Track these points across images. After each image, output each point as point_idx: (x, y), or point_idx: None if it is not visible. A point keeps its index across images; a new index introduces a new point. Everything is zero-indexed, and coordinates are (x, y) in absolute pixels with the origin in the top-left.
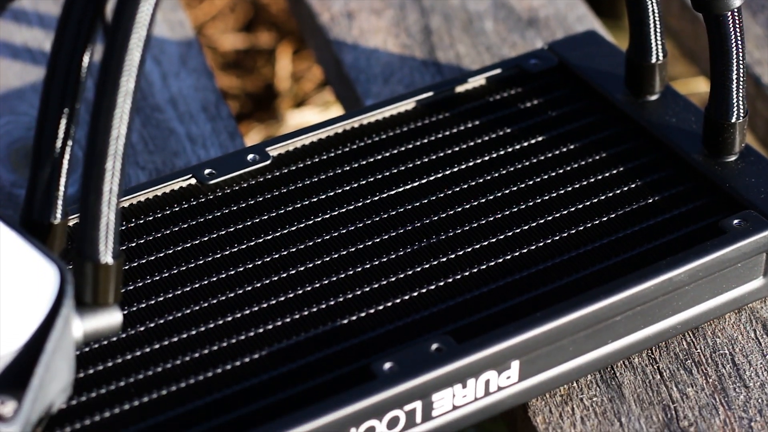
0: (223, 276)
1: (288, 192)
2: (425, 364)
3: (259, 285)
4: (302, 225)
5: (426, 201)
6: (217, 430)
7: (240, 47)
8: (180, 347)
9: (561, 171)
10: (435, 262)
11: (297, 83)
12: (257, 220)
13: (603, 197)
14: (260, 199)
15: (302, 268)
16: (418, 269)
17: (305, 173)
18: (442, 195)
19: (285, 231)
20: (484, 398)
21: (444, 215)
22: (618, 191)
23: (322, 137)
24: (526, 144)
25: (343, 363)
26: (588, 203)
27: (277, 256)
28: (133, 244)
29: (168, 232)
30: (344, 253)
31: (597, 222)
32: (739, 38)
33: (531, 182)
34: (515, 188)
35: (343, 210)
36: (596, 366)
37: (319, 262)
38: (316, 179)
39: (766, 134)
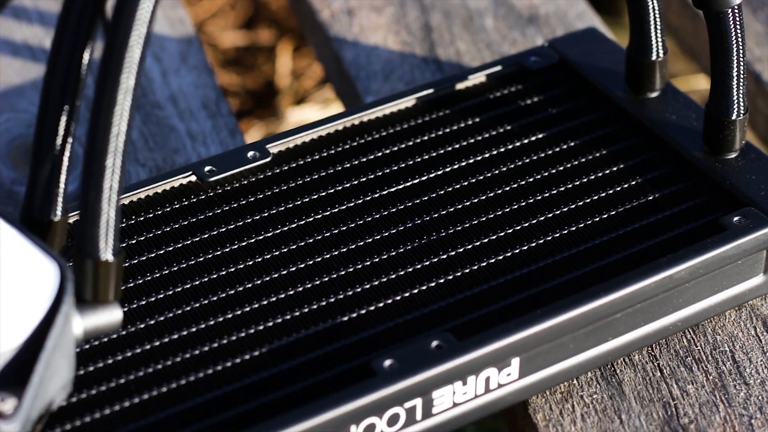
0: (224, 273)
1: (288, 189)
2: (425, 361)
3: (259, 282)
4: (302, 222)
5: (426, 198)
6: (217, 427)
7: (240, 44)
8: (180, 344)
9: (561, 168)
10: (435, 259)
11: (297, 80)
12: (257, 217)
13: (603, 194)
14: (260, 196)
15: (302, 265)
16: (419, 266)
17: (305, 170)
18: (442, 192)
19: (285, 228)
20: (485, 395)
21: (444, 212)
22: (618, 188)
23: (323, 134)
24: (526, 141)
25: (343, 360)
26: (588, 200)
27: (277, 253)
28: (134, 241)
29: (168, 229)
30: (344, 250)
31: (597, 219)
32: (739, 35)
33: (531, 179)
34: (515, 185)
35: (344, 207)
36: (596, 363)
37: (319, 259)
38: (316, 176)
39: (767, 131)
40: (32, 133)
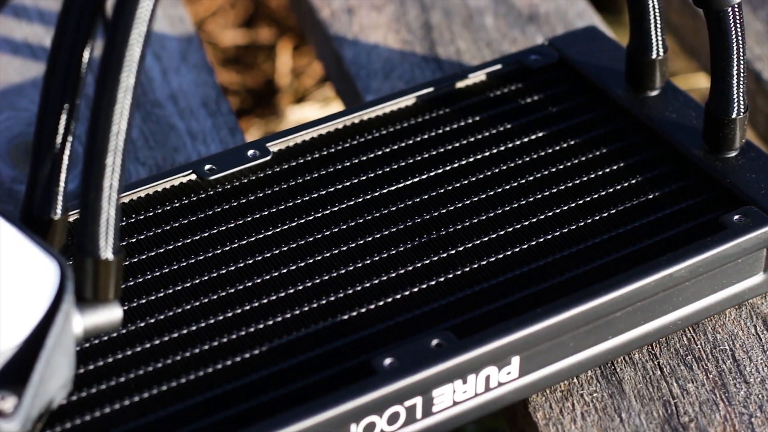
0: (224, 271)
1: (288, 188)
2: (425, 359)
3: (259, 280)
4: (302, 220)
5: (426, 197)
6: (217, 426)
7: (240, 43)
8: (180, 343)
9: (561, 167)
10: (435, 258)
11: (297, 79)
12: (257, 216)
13: (603, 193)
14: (260, 194)
15: (302, 264)
16: (419, 265)
17: (305, 169)
18: (442, 190)
19: (285, 226)
20: (485, 394)
21: (444, 211)
22: (618, 187)
23: (323, 133)
24: (526, 140)
25: (343, 359)
26: (588, 199)
27: (277, 251)
28: (134, 240)
29: (168, 227)
30: (344, 248)
31: (597, 218)
32: (739, 34)
33: (531, 178)
34: (516, 184)
35: (344, 206)
36: (597, 362)
37: (319, 258)
38: (316, 175)
39: (767, 130)
40: (32, 131)
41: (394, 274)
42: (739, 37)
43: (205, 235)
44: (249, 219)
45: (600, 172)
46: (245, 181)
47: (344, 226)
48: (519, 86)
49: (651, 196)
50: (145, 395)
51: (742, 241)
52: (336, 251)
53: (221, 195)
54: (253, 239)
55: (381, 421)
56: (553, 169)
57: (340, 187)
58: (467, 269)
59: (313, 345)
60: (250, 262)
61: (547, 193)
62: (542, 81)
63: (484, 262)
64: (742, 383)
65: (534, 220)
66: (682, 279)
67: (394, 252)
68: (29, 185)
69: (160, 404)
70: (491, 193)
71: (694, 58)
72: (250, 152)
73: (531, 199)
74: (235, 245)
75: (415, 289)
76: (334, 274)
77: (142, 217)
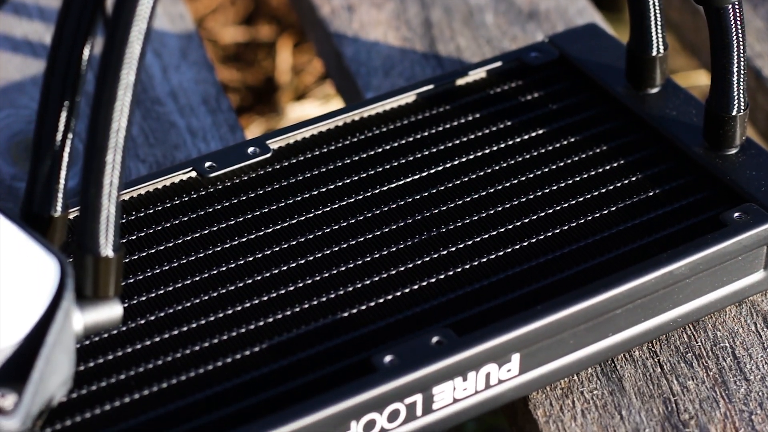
0: (224, 269)
1: (288, 185)
2: (426, 357)
3: (259, 278)
4: (302, 218)
5: (426, 194)
6: (217, 423)
7: (240, 40)
8: (180, 340)
9: (562, 164)
10: (435, 255)
11: (297, 76)
12: (258, 213)
13: (603, 190)
14: (260, 192)
15: (302, 261)
16: (419, 262)
17: (305, 166)
18: (442, 188)
19: (285, 224)
20: (485, 391)
21: (444, 208)
22: (619, 184)
23: (323, 130)
24: (526, 137)
25: (343, 356)
26: (588, 196)
27: (277, 248)
28: (134, 237)
29: (168, 225)
30: (344, 246)
31: (597, 215)
32: (739, 31)
33: (531, 175)
34: (516, 181)
35: (344, 203)
36: (597, 359)
37: (319, 255)
38: (316, 172)
39: (767, 127)
40: (32, 129)
41: (394, 271)
42: (740, 35)
43: (205, 232)
44: (249, 216)
45: (600, 170)
46: (245, 178)
47: (344, 223)
48: (519, 83)
49: (651, 194)
50: (145, 392)
51: (743, 238)
52: (336, 248)
53: (221, 192)
54: (253, 236)
55: (381, 418)
56: (554, 167)
57: (340, 184)
58: (467, 266)
59: (313, 342)
60: (251, 259)
61: (547, 191)
62: (542, 78)
63: (485, 259)
64: (743, 380)
65: (534, 217)
66: (682, 276)
67: (394, 249)
68: (29, 183)
69: (161, 401)
70: (491, 190)
71: (694, 56)
72: (251, 149)
73: (531, 197)
74: (236, 242)
75: (416, 287)
76: (335, 271)
77: (142, 215)
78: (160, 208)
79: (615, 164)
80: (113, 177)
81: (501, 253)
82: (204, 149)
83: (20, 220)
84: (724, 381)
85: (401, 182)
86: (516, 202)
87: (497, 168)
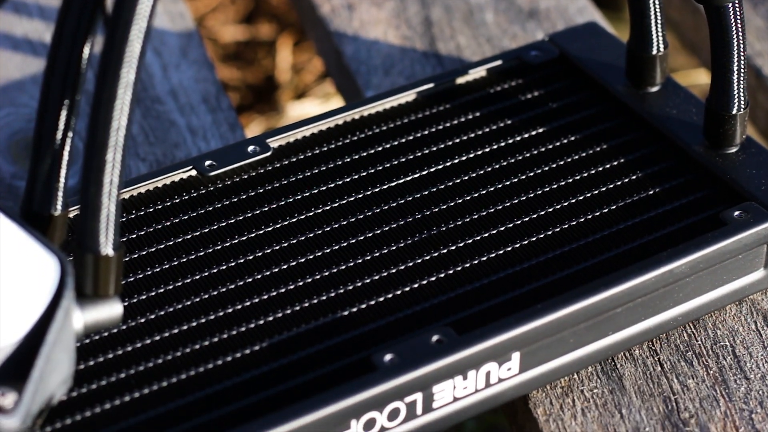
0: (224, 267)
1: (288, 183)
2: (426, 355)
3: (259, 276)
4: (302, 216)
5: (426, 192)
6: (217, 421)
7: (240, 39)
8: (181, 339)
9: (562, 162)
10: (436, 254)
11: (297, 75)
12: (258, 212)
13: (604, 188)
14: (261, 190)
15: (303, 260)
16: (419, 260)
17: (305, 165)
18: (442, 186)
19: (285, 222)
20: (485, 390)
21: (445, 206)
22: (619, 182)
23: (323, 129)
24: (526, 135)
25: (343, 354)
26: (589, 194)
27: (277, 247)
28: (134, 236)
29: (168, 223)
30: (345, 244)
31: (598, 213)
32: (740, 30)
33: (532, 174)
34: (516, 180)
35: (344, 201)
36: (597, 358)
37: (319, 254)
38: (316, 171)
39: (767, 126)
40: (32, 127)
41: (394, 270)
42: (740, 33)
43: (206, 231)
44: (249, 215)
45: (600, 168)
46: (245, 177)
47: (344, 222)
48: (519, 82)
49: (651, 192)
50: (145, 391)
51: (743, 237)
52: (336, 247)
53: (221, 191)
54: (253, 235)
55: (381, 417)
56: (554, 165)
57: (340, 182)
58: (467, 265)
59: (313, 341)
60: (251, 258)
61: (547, 189)
62: (542, 77)
63: (485, 258)
64: (743, 379)
65: (534, 216)
66: (682, 275)
67: (394, 248)
68: (29, 181)
69: (161, 400)
70: (491, 189)
71: (694, 54)
72: (251, 148)
73: (531, 195)
74: (236, 241)
75: (416, 285)
76: (335, 270)
77: (142, 213)
78: (160, 207)
79: (615, 163)
80: (113, 176)
81: (501, 252)
82: (204, 148)
83: (20, 219)
84: (724, 380)
85: (401, 181)
86: (516, 201)
87: (497, 166)
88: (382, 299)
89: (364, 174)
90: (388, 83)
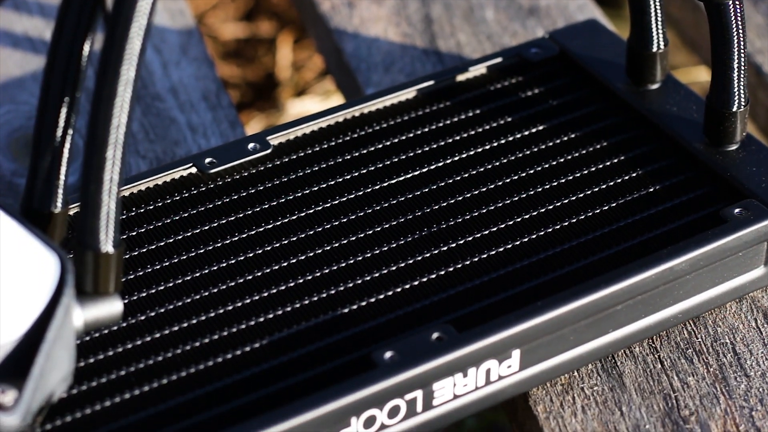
0: (224, 265)
1: (288, 181)
2: (426, 353)
3: (259, 274)
4: (303, 214)
5: (427, 190)
6: (217, 419)
7: (241, 36)
8: (180, 336)
9: (562, 160)
10: (436, 251)
11: (298, 72)
12: (258, 209)
13: (604, 186)
14: (261, 188)
15: (303, 257)
16: (419, 258)
17: (306, 162)
18: (442, 184)
19: (285, 220)
20: (485, 387)
21: (445, 204)
22: (619, 180)
23: (323, 126)
24: (527, 133)
25: (343, 352)
26: (589, 192)
27: (277, 245)
28: (134, 233)
29: (168, 221)
30: (345, 242)
31: (598, 211)
32: (740, 27)
33: (532, 171)
34: (516, 177)
35: (344, 199)
36: (597, 355)
37: (319, 251)
38: (316, 168)
39: (767, 123)
40: (32, 125)
41: (394, 268)
42: (740, 30)
43: (206, 228)
44: (249, 212)
45: (600, 165)
46: (246, 174)
47: (344, 219)
48: (519, 79)
49: (651, 190)
50: (145, 388)
51: (743, 234)
52: (336, 244)
53: (221, 188)
54: (253, 232)
55: (381, 414)
56: (554, 163)
57: (340, 180)
58: (467, 262)
59: (313, 338)
60: (251, 255)
61: (547, 186)
62: (543, 74)
63: (485, 256)
64: (743, 377)
65: (534, 213)
66: (682, 272)
67: (394, 245)
68: (29, 178)
69: (161, 397)
70: (491, 186)
71: (694, 52)
72: (251, 145)
73: (531, 193)
74: (236, 238)
75: (416, 283)
76: (335, 268)
77: (142, 211)
78: (160, 205)
79: (615, 160)
80: (113, 173)
81: (501, 249)
82: (204, 145)
83: (20, 216)
84: (724, 377)
85: (401, 178)
86: (516, 198)
87: (497, 164)
88: (382, 296)
89: (365, 171)
90: (389, 80)
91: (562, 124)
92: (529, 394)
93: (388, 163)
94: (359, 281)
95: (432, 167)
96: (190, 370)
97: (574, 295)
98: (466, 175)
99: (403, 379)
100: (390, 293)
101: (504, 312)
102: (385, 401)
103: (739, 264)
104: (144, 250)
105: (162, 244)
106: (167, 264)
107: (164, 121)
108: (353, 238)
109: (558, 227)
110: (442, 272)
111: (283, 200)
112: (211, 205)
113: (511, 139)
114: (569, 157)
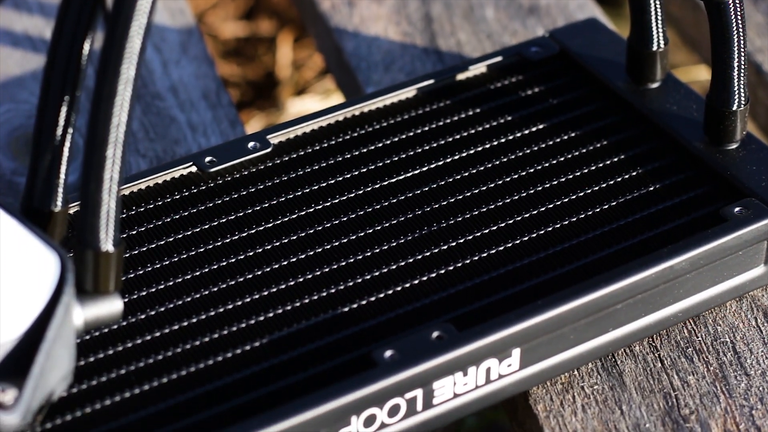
0: (224, 264)
1: (288, 180)
2: (426, 351)
3: (259, 273)
4: (303, 213)
5: (427, 189)
6: (217, 418)
7: (241, 35)
8: (180, 335)
9: (562, 159)
10: (436, 250)
11: (298, 71)
12: (258, 208)
13: (604, 185)
14: (261, 186)
15: (303, 256)
16: (419, 257)
17: (306, 161)
18: (442, 183)
19: (285, 219)
20: (485, 386)
21: (445, 203)
22: (619, 179)
23: (323, 125)
24: (527, 132)
25: (344, 351)
26: (589, 191)
27: (277, 243)
28: (134, 232)
29: (168, 219)
30: (345, 240)
31: (598, 210)
32: (740, 26)
33: (532, 170)
34: (516, 176)
35: (344, 198)
36: (597, 354)
37: (319, 250)
38: (316, 167)
39: (767, 122)
40: (32, 123)
41: (394, 266)
42: (740, 29)
43: (206, 227)
44: (249, 211)
45: (601, 164)
46: (246, 173)
47: (345, 218)
48: (519, 78)
49: (652, 188)
50: (145, 387)
51: (743, 233)
52: (336, 243)
53: (222, 187)
54: (253, 231)
55: (382, 413)
56: (554, 161)
57: (340, 178)
58: (468, 261)
59: (313, 337)
60: (250, 254)
61: (547, 186)
62: (543, 73)
63: (485, 254)
64: (743, 375)
65: (534, 212)
66: (682, 271)
67: (394, 244)
68: (29, 177)
69: (161, 396)
70: (491, 185)
71: (694, 51)
72: (251, 144)
73: (531, 191)
74: (236, 237)
75: (416, 281)
76: (335, 266)
77: (142, 209)
78: (160, 203)
79: (615, 159)
80: (113, 172)
81: (501, 248)
82: (204, 144)
83: (20, 215)
84: (724, 376)
85: (401, 177)
86: (516, 197)
87: (497, 163)
88: (382, 295)
89: (365, 170)
90: (389, 79)
91: (562, 123)
92: (529, 392)
93: (388, 161)
94: (359, 280)
95: (432, 166)
96: (190, 368)
97: (574, 294)
98: (466, 174)
99: (403, 378)
100: (390, 292)
101: (504, 311)
102: (386, 400)
103: (740, 263)
104: (144, 248)
105: (162, 242)
106: (167, 263)
107: (164, 120)
108: (353, 237)
109: (558, 226)
110: (442, 271)
111: (283, 199)
112: (211, 204)
113: (511, 137)
114: (569, 156)
